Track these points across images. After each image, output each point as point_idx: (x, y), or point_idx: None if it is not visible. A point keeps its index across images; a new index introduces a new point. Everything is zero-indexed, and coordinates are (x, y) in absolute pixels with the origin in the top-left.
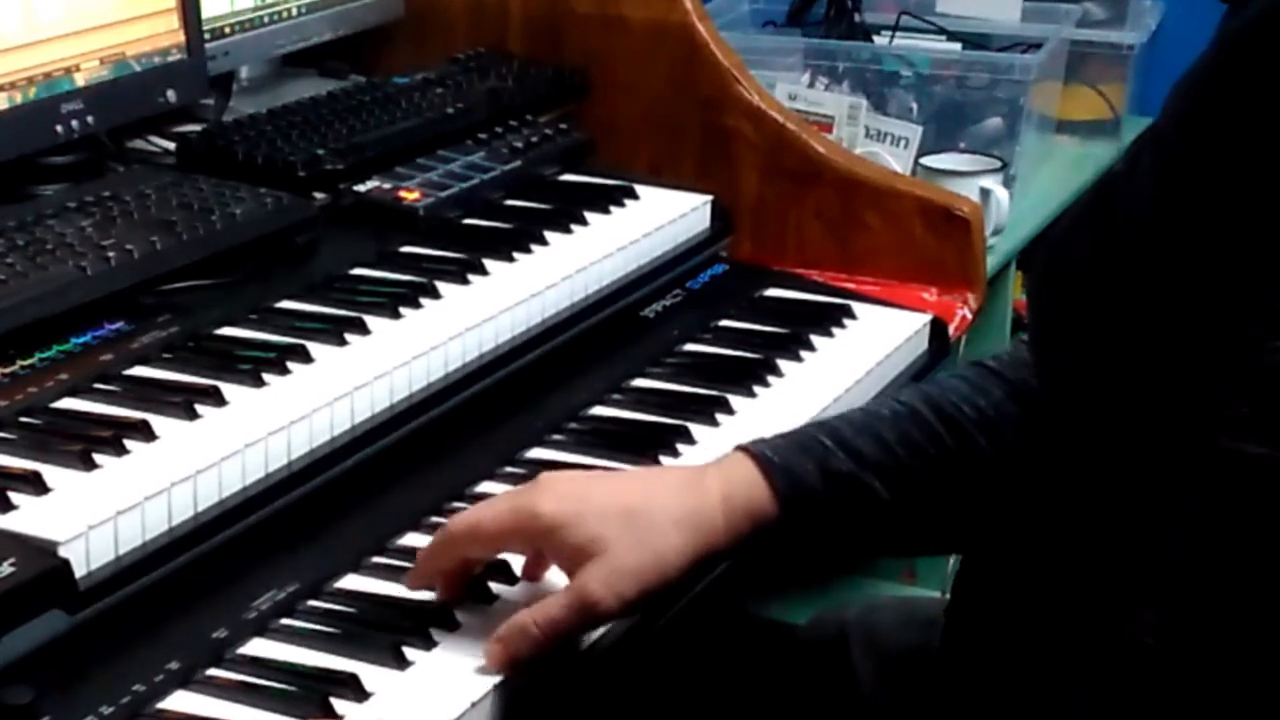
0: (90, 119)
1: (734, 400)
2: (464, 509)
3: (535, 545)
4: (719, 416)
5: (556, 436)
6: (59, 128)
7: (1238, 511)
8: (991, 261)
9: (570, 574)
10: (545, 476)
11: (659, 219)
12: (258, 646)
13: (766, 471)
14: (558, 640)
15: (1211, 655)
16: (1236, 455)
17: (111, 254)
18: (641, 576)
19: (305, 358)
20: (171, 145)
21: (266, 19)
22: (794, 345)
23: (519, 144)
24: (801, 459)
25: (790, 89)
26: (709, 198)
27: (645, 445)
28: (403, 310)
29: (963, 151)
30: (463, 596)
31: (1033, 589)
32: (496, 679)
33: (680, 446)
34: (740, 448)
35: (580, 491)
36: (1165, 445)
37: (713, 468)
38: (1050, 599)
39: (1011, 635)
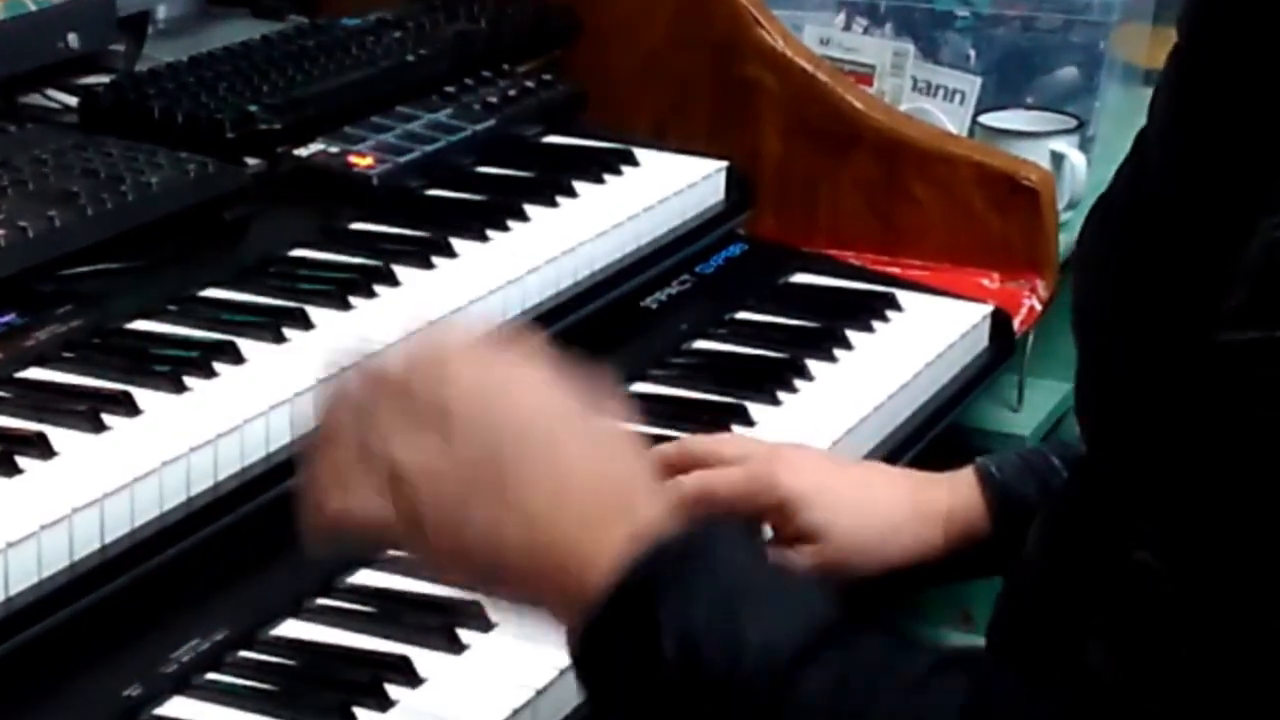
0: None
1: (754, 409)
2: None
3: (760, 512)
4: (735, 428)
5: None
6: None
7: (1234, 409)
8: (1065, 241)
9: (781, 541)
10: (784, 447)
11: (663, 190)
12: (178, 707)
13: (985, 489)
14: None
15: (1215, 567)
16: (1232, 346)
17: (1, 232)
18: (850, 572)
19: (235, 357)
20: (74, 100)
21: None
22: (826, 342)
23: (493, 99)
24: (1024, 478)
25: (822, 32)
26: (723, 164)
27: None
28: (353, 300)
29: (1030, 108)
30: (428, 645)
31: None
32: None
33: None
34: (974, 462)
35: (820, 471)
36: (1171, 358)
37: (942, 479)
38: (1064, 549)
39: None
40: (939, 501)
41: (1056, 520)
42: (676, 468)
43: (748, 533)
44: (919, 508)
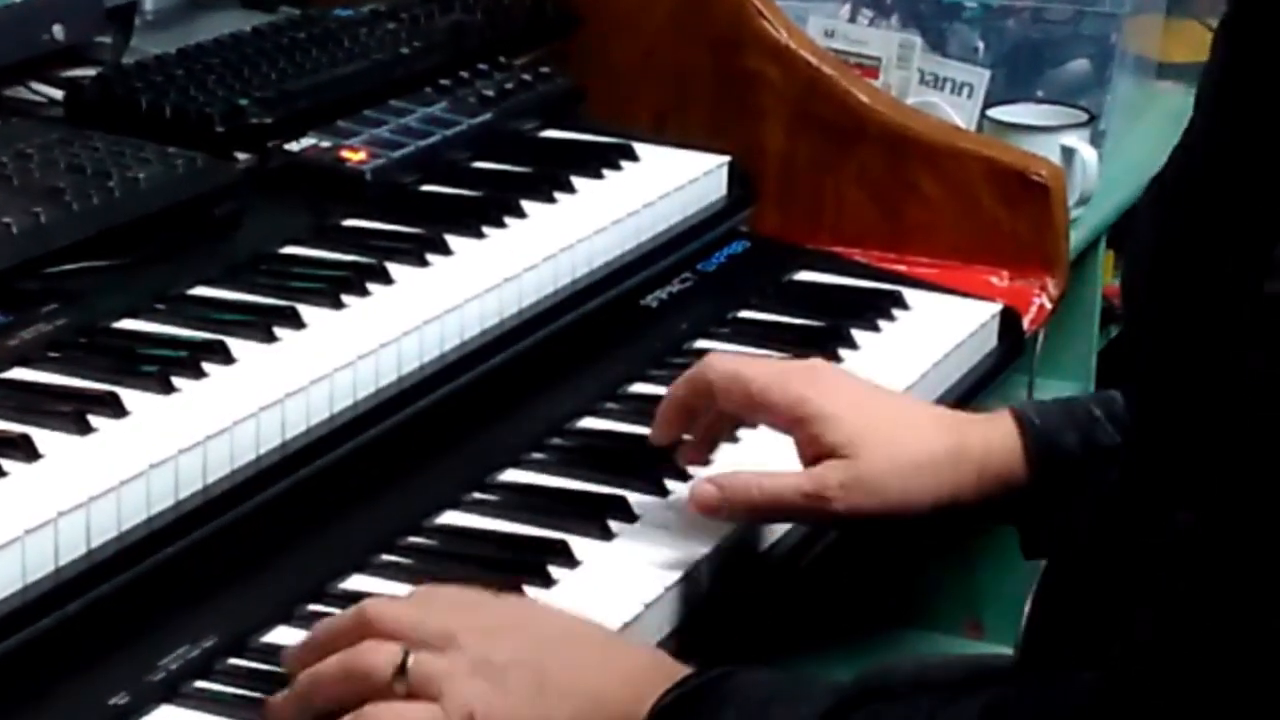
0: None
1: None
2: (423, 544)
3: (788, 426)
4: (739, 431)
5: (536, 455)
6: None
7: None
8: (1076, 238)
9: (810, 462)
10: (818, 364)
11: (663, 185)
12: (166, 715)
13: (1024, 434)
14: (768, 517)
15: (1253, 529)
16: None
17: None
18: (882, 499)
19: (225, 357)
20: (59, 94)
21: None
22: (831, 342)
23: (490, 92)
24: (1064, 426)
25: (826, 23)
26: (725, 159)
27: (647, 465)
28: (346, 298)
29: (1040, 102)
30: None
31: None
32: None
33: (690, 467)
34: (1011, 407)
35: (852, 390)
36: (1214, 327)
37: (980, 420)
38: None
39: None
40: (976, 443)
41: (1106, 496)
42: (702, 396)
43: (768, 671)
44: (956, 447)
